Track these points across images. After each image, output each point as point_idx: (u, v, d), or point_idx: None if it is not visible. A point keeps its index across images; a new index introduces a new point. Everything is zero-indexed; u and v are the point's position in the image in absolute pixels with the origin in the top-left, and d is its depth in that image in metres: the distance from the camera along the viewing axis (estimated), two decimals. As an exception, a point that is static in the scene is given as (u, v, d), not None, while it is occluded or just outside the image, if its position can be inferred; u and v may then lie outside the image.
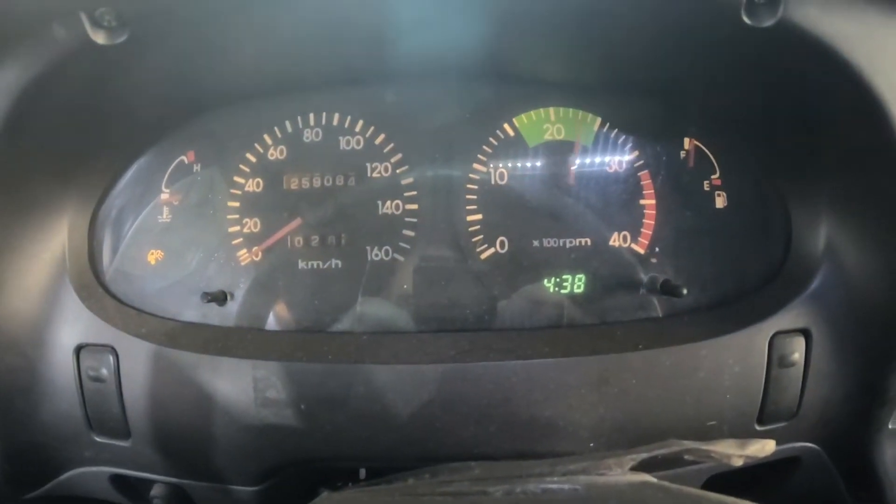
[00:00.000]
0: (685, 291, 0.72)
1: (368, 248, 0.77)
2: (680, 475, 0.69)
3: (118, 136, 0.76)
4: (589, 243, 0.77)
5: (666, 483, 0.51)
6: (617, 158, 0.78)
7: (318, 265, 0.77)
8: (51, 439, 0.72)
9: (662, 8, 0.59)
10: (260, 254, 0.78)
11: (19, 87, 0.58)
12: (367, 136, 0.78)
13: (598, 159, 0.78)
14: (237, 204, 0.78)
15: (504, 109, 0.78)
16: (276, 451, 0.70)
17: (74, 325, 0.71)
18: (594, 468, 0.52)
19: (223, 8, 0.59)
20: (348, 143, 0.79)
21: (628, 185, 0.78)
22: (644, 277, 0.76)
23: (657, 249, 0.77)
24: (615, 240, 0.77)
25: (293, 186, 0.78)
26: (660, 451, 0.53)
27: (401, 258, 0.77)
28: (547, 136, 0.78)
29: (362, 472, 0.77)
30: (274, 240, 0.78)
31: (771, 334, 0.69)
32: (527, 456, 0.63)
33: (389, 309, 0.76)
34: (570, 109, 0.79)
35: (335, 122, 0.79)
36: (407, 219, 0.77)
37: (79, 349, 0.71)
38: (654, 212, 0.77)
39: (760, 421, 0.70)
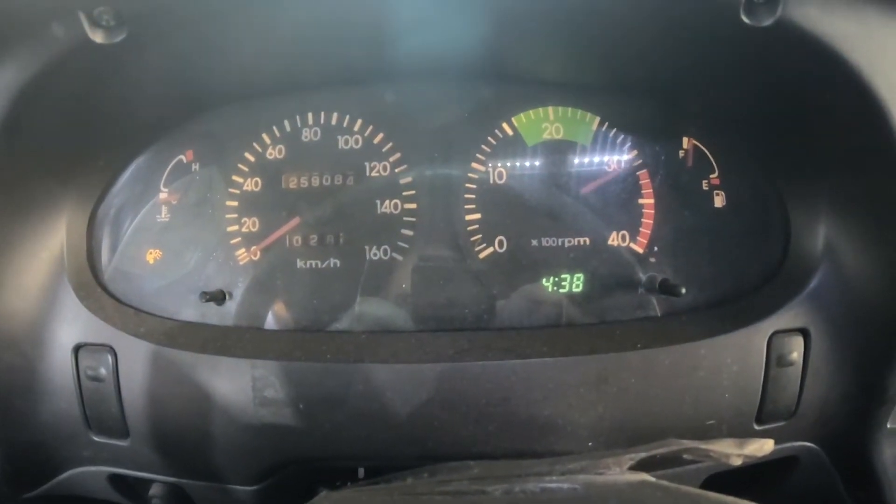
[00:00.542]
0: (684, 291, 0.72)
1: (367, 247, 0.77)
2: (679, 474, 0.69)
3: (117, 136, 0.75)
4: (587, 243, 0.77)
5: (664, 482, 0.51)
6: (616, 158, 0.78)
7: (316, 264, 0.77)
8: (49, 439, 0.72)
9: (661, 7, 0.59)
10: (258, 253, 0.78)
11: (17, 86, 0.58)
12: (366, 135, 0.78)
13: (596, 159, 0.78)
14: (236, 203, 0.78)
15: (503, 109, 0.78)
16: (274, 450, 0.70)
17: (73, 325, 0.71)
18: (593, 467, 0.52)
19: (222, 7, 0.59)
20: (347, 142, 0.79)
21: (627, 184, 0.78)
22: (643, 277, 0.76)
23: (656, 249, 0.77)
24: (614, 239, 0.77)
25: (292, 186, 0.78)
26: (658, 450, 0.53)
27: (399, 257, 0.77)
28: (546, 136, 0.78)
29: (361, 472, 0.77)
30: (272, 239, 0.78)
31: (769, 334, 0.69)
32: (525, 455, 0.63)
33: (388, 308, 0.76)
34: (569, 109, 0.79)
35: (334, 122, 0.79)
36: (405, 218, 0.77)
37: (77, 348, 0.71)
38: (652, 211, 0.77)
39: (759, 420, 0.70)
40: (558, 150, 0.78)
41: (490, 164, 0.78)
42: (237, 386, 0.67)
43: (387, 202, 0.77)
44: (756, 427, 0.70)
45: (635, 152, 0.78)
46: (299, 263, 0.77)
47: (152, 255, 0.78)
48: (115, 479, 0.76)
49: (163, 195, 0.79)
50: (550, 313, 0.76)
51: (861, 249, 0.68)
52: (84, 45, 0.56)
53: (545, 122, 0.78)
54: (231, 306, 0.77)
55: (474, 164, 0.77)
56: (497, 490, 0.49)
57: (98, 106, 0.68)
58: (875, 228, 0.67)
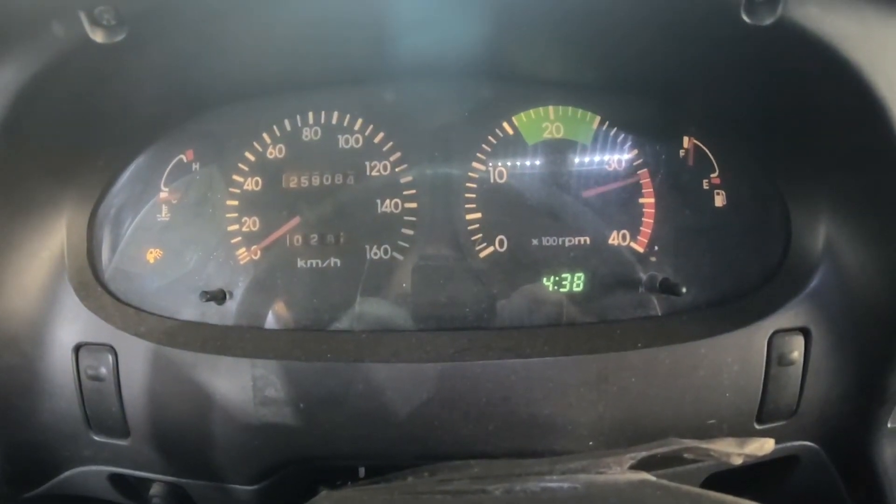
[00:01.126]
0: (684, 290, 0.72)
1: (367, 246, 0.77)
2: (679, 474, 0.69)
3: (117, 135, 0.75)
4: (588, 242, 0.77)
5: (665, 482, 0.50)
6: (616, 157, 0.78)
7: (317, 264, 0.77)
8: (50, 438, 0.72)
9: (662, 6, 0.59)
10: (259, 252, 0.78)
11: (18, 86, 0.58)
12: (367, 134, 0.78)
13: (597, 158, 0.78)
14: (236, 203, 0.78)
15: (503, 108, 0.78)
16: (275, 449, 0.70)
17: (73, 324, 0.71)
18: (593, 467, 0.52)
19: (222, 7, 0.59)
20: (347, 141, 0.78)
21: (627, 183, 0.78)
22: (643, 276, 0.76)
23: (656, 248, 0.77)
24: (614, 238, 0.77)
25: (292, 185, 0.78)
26: (659, 449, 0.53)
27: (400, 257, 0.77)
28: (546, 135, 0.78)
29: (361, 471, 0.77)
30: (273, 238, 0.78)
31: (770, 333, 0.69)
32: (526, 454, 0.63)
33: (388, 307, 0.76)
34: (570, 108, 0.79)
35: (334, 121, 0.79)
36: (406, 217, 0.77)
37: (78, 348, 0.71)
38: (653, 210, 0.77)
39: (759, 419, 0.70)
40: (559, 149, 0.78)
41: (490, 164, 0.77)
42: (238, 385, 0.67)
43: (387, 201, 0.77)
44: (756, 426, 0.70)
45: (636, 151, 0.78)
46: (300, 263, 0.77)
47: (153, 255, 0.78)
48: (115, 479, 0.76)
49: (163, 194, 0.79)
50: (551, 312, 0.76)
51: (862, 248, 0.68)
52: (84, 44, 0.56)
53: (545, 122, 0.78)
54: (231, 306, 0.77)
55: (475, 164, 0.77)
56: (497, 489, 0.49)
57: (98, 105, 0.68)
58: (876, 227, 0.67)
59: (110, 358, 0.70)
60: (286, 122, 0.79)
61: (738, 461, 0.54)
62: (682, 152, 0.78)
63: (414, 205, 0.77)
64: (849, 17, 0.55)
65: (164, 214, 0.79)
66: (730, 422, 0.69)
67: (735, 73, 0.68)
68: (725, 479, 0.72)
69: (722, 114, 0.77)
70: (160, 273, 0.78)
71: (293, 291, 0.77)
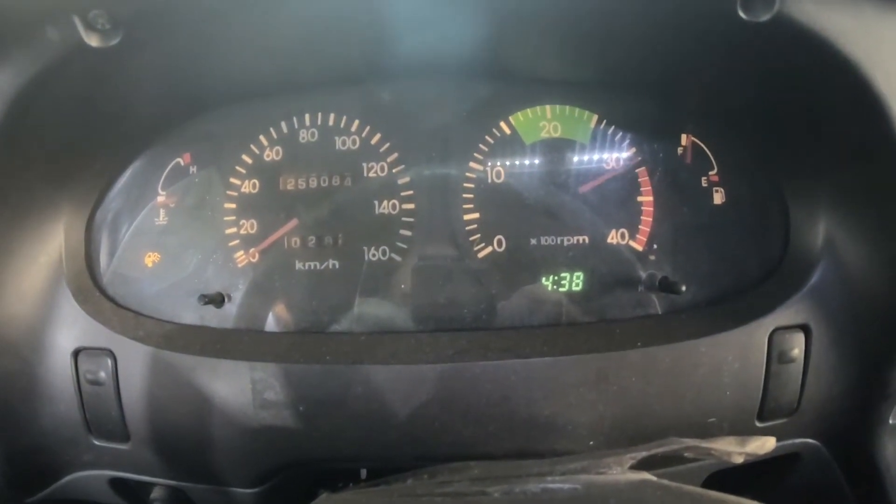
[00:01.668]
0: (684, 288, 0.72)
1: (365, 248, 0.77)
2: (680, 473, 0.68)
3: (114, 139, 0.75)
4: (587, 241, 0.76)
5: (666, 481, 0.50)
6: (614, 155, 0.78)
7: (315, 266, 0.77)
8: (50, 443, 0.72)
9: (658, 4, 0.58)
10: (257, 255, 0.78)
11: (14, 90, 0.58)
12: (363, 135, 0.78)
13: (595, 156, 0.78)
14: (234, 205, 0.78)
15: (500, 107, 0.78)
16: (275, 452, 0.70)
17: (72, 329, 0.71)
18: (594, 467, 0.52)
19: (217, 9, 0.59)
20: (344, 143, 0.78)
21: (626, 182, 0.77)
22: (642, 274, 0.76)
23: (655, 246, 0.76)
24: (613, 237, 0.77)
25: (289, 187, 0.78)
26: (659, 449, 0.53)
27: (398, 258, 0.76)
28: (543, 134, 0.78)
29: (363, 473, 0.77)
30: (271, 241, 0.77)
31: (770, 330, 0.68)
32: (526, 455, 0.63)
33: (387, 309, 0.76)
34: (567, 107, 0.78)
35: (331, 123, 0.79)
36: (404, 218, 0.77)
37: (77, 352, 0.71)
38: (651, 209, 0.77)
39: (760, 417, 0.69)
40: (556, 148, 0.78)
41: (488, 164, 0.77)
42: (237, 388, 0.67)
43: (385, 202, 0.77)
44: (757, 424, 0.69)
45: (634, 150, 0.78)
46: (298, 265, 0.77)
47: (151, 259, 0.78)
48: (116, 483, 0.75)
49: (161, 198, 0.79)
50: (550, 312, 0.76)
51: (861, 244, 0.68)
52: (79, 48, 0.56)
53: (543, 121, 0.78)
54: (230, 309, 0.77)
55: (472, 164, 0.77)
56: (497, 491, 0.49)
57: (94, 109, 0.68)
58: (875, 223, 0.66)
59: (109, 362, 0.70)
60: (283, 124, 0.79)
61: (739, 460, 0.54)
62: (680, 150, 0.78)
63: (412, 206, 0.77)
64: (846, 13, 0.54)
65: (161, 218, 0.79)
66: (730, 420, 0.68)
67: (732, 70, 0.68)
68: (726, 477, 0.72)
69: (720, 111, 0.76)
70: (158, 277, 0.78)
71: (292, 294, 0.77)
